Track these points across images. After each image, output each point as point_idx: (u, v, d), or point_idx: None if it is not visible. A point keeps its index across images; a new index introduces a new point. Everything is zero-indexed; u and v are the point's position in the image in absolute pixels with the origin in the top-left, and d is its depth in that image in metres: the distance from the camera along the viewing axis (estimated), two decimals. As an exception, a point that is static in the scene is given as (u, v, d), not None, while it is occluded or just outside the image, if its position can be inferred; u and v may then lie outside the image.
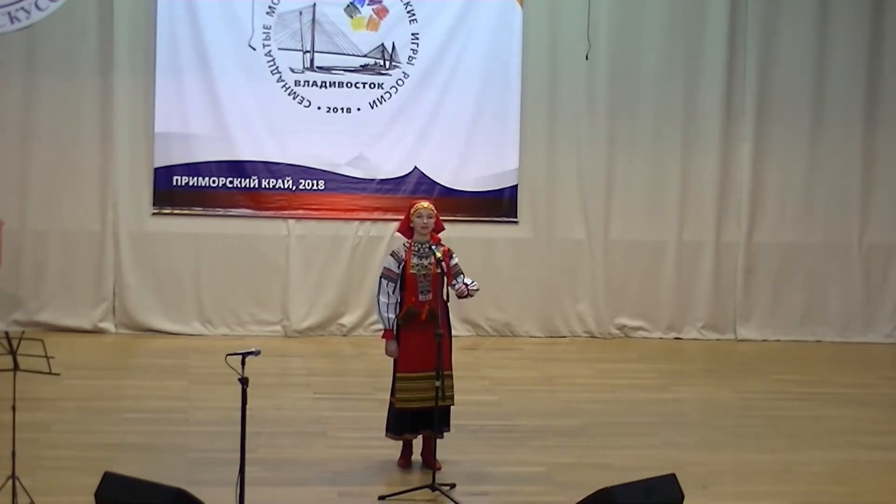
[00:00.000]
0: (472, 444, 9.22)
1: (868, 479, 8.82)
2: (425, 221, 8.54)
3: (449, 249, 8.63)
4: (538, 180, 13.18)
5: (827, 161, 13.45)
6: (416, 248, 8.54)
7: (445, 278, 8.51)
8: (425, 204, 8.67)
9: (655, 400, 10.86)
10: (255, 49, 12.74)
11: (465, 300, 8.80)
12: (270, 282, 12.95)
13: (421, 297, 8.49)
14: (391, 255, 8.65)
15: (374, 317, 12.41)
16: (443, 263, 8.42)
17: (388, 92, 12.95)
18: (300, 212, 12.94)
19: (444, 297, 8.58)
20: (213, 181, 12.79)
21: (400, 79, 12.94)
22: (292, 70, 12.81)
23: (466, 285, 8.55)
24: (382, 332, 8.64)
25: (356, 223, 13.02)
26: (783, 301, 13.50)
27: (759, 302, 13.48)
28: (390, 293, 8.52)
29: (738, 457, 9.19)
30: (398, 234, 8.82)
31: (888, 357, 12.92)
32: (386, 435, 8.71)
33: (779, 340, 13.42)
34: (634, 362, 12.36)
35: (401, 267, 8.52)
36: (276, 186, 12.86)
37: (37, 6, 11.16)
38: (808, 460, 9.17)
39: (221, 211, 12.84)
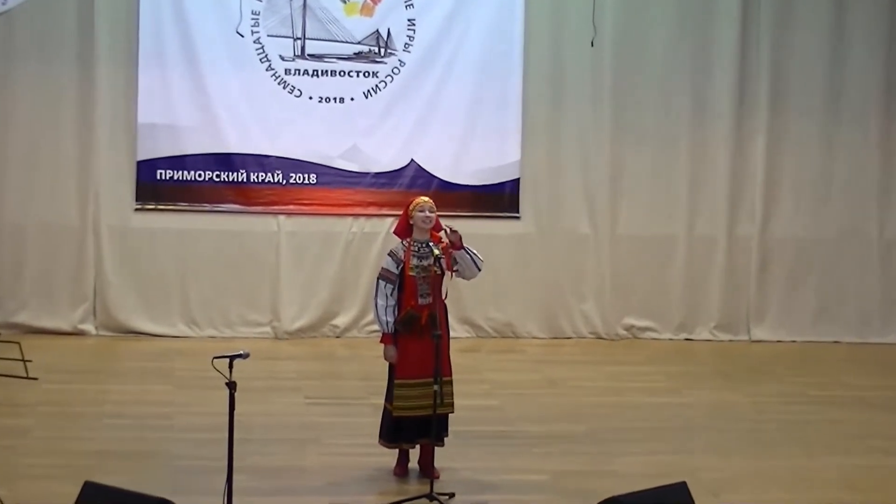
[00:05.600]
0: (472, 451, 9.24)
1: (885, 486, 8.84)
2: (428, 214, 8.49)
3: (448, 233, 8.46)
4: (541, 173, 13.21)
5: (844, 152, 13.49)
6: (416, 248, 8.50)
7: (446, 273, 8.49)
8: (425, 198, 8.62)
9: (665, 404, 10.88)
10: (243, 36, 12.77)
11: (463, 281, 8.72)
12: (260, 281, 12.98)
13: (420, 301, 8.45)
14: (389, 254, 8.59)
15: (369, 318, 12.48)
16: (442, 261, 8.41)
17: (383, 81, 12.97)
18: (291, 207, 12.97)
19: (443, 296, 8.57)
20: (200, 175, 12.82)
21: (396, 67, 12.97)
22: (282, 58, 12.83)
23: (466, 247, 8.42)
24: (380, 336, 8.62)
25: (350, 219, 13.05)
26: (798, 299, 13.54)
27: (773, 300, 13.52)
28: (388, 295, 8.48)
29: (751, 463, 9.21)
30: (395, 235, 8.75)
31: (908, 358, 12.97)
32: (379, 442, 8.71)
33: (794, 341, 13.46)
34: (643, 364, 12.39)
35: (399, 268, 8.49)
36: (266, 180, 12.89)
37: (14, -9, 11.18)
38: (823, 466, 9.20)
39: (208, 206, 12.86)
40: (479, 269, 8.57)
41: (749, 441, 9.78)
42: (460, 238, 8.41)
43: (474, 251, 8.51)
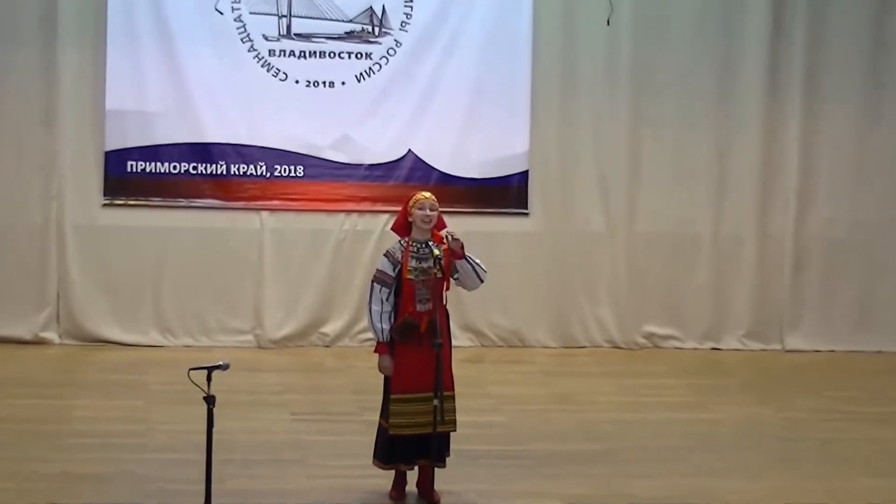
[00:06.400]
0: (476, 472, 9.25)
1: (933, 512, 8.88)
2: (428, 213, 8.49)
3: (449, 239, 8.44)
4: (551, 165, 13.22)
5: (886, 138, 13.50)
6: (415, 249, 8.49)
7: (446, 278, 8.49)
8: (427, 194, 8.62)
9: (688, 420, 10.89)
10: (222, 13, 12.77)
11: (464, 290, 8.70)
12: (241, 284, 12.98)
13: (419, 307, 8.44)
14: (385, 255, 8.57)
15: (362, 325, 12.49)
16: (441, 262, 8.41)
17: (377, 63, 12.98)
18: (275, 202, 12.97)
19: (444, 301, 8.57)
20: (175, 167, 12.83)
21: (391, 47, 12.98)
22: (266, 38, 12.84)
23: (468, 256, 8.40)
24: (375, 345, 8.62)
25: (341, 215, 13.05)
26: (837, 304, 13.54)
27: (809, 305, 13.52)
28: (384, 300, 8.47)
29: (784, 485, 9.21)
30: (392, 232, 8.74)
31: (958, 370, 12.97)
32: (373, 462, 8.72)
33: (832, 351, 13.47)
34: (664, 377, 12.40)
35: (396, 270, 8.48)
36: (248, 173, 12.90)
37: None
38: (862, 489, 9.19)
39: (184, 201, 12.87)
40: (482, 281, 8.56)
41: (781, 461, 9.78)
42: (462, 246, 8.41)
43: (477, 261, 8.50)
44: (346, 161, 12.97)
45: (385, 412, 8.58)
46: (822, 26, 13.27)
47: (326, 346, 13.04)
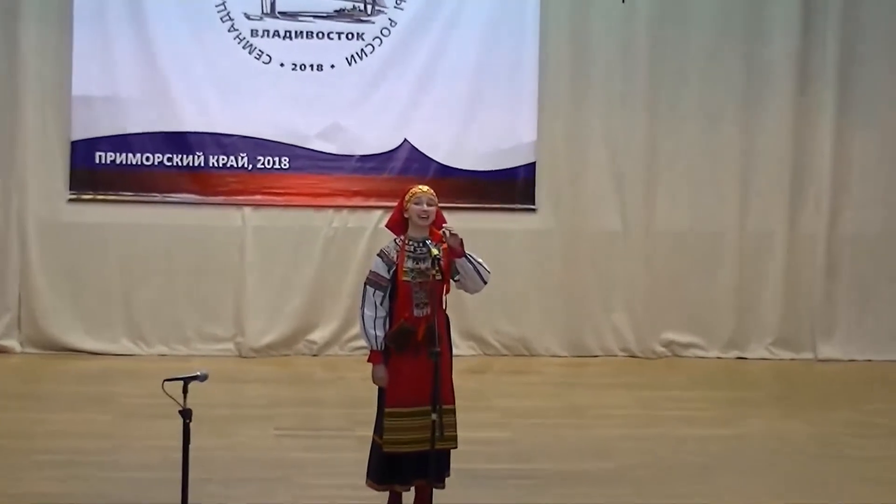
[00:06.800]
0: (479, 492, 9.27)
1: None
2: (425, 208, 8.50)
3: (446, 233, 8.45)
4: (561, 157, 13.25)
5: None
6: (411, 248, 8.50)
7: (446, 280, 8.52)
8: (424, 187, 8.64)
9: (711, 436, 10.91)
10: (200, -11, 12.84)
11: (463, 288, 8.74)
12: (221, 286, 13.01)
13: (416, 312, 8.45)
14: (379, 255, 8.58)
15: (354, 331, 12.52)
16: (440, 263, 8.43)
17: (370, 44, 13.02)
18: (258, 197, 13.01)
19: (444, 306, 8.59)
20: (148, 158, 12.86)
21: (385, 27, 13.01)
22: (248, 16, 12.88)
23: (468, 254, 8.41)
24: (368, 353, 8.64)
25: (330, 211, 13.09)
26: (874, 309, 13.57)
27: (843, 310, 13.56)
28: (377, 304, 8.49)
29: (814, 507, 9.28)
30: (387, 229, 8.76)
31: None
32: (366, 483, 8.76)
33: (869, 360, 13.50)
34: (685, 389, 12.43)
35: (391, 272, 8.50)
36: (228, 165, 12.93)
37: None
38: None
39: (158, 196, 12.91)
40: (485, 282, 8.57)
41: (812, 480, 9.80)
42: (461, 243, 8.42)
43: (479, 260, 8.51)
44: (335, 152, 13.01)
45: (379, 427, 8.60)
46: (855, 14, 13.29)
47: (314, 355, 13.07)
